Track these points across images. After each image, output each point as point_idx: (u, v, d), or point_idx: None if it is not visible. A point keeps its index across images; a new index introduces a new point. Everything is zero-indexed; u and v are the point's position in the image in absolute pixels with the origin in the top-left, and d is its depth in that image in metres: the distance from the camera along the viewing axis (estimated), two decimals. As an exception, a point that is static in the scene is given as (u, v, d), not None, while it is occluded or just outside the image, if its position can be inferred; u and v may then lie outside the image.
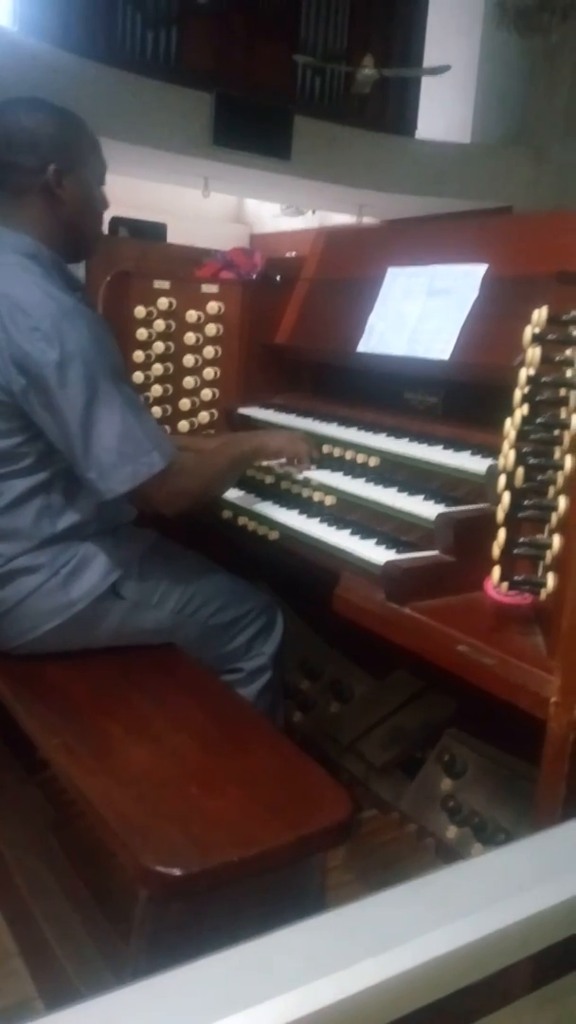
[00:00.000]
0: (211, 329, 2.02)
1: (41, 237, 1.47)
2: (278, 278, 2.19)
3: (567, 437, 1.11)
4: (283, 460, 1.71)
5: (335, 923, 0.63)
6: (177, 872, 1.00)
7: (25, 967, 1.42)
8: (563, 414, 1.13)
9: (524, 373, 1.16)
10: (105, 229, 1.83)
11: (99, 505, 1.50)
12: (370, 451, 1.66)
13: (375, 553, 1.37)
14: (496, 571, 1.14)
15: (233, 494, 1.75)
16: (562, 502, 1.10)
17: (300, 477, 1.68)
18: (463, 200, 8.50)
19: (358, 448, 1.68)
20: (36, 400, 1.37)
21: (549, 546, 1.11)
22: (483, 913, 0.65)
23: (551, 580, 1.10)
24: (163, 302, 2.05)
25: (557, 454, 1.13)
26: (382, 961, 0.59)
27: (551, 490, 1.13)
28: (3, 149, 1.45)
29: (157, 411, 2.07)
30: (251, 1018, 0.53)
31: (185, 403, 2.06)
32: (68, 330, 1.35)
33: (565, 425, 1.12)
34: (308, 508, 1.62)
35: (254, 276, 2.20)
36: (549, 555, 1.11)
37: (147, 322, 2.07)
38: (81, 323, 1.37)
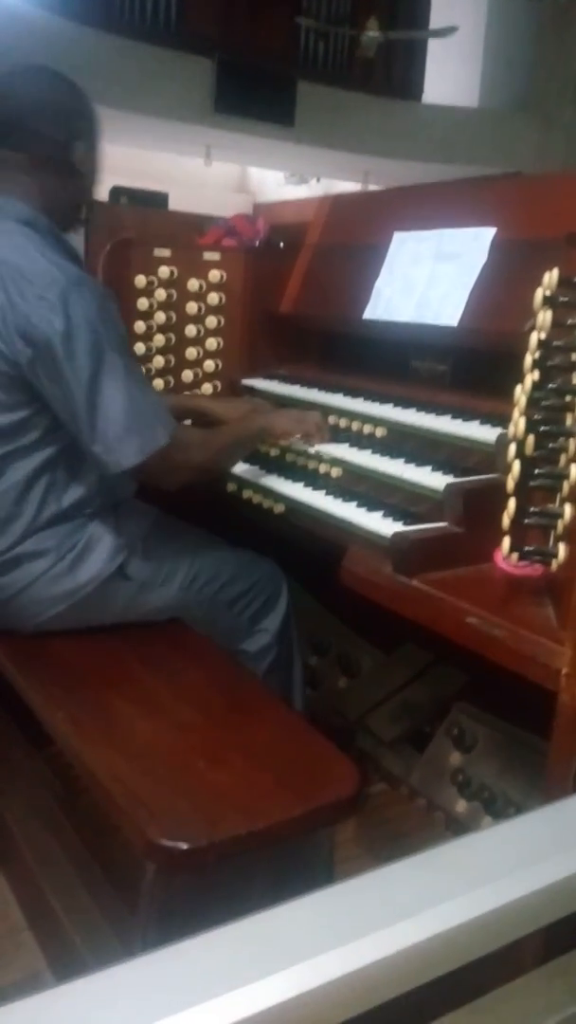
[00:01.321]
0: (213, 298, 1.98)
1: (40, 207, 1.43)
2: (281, 245, 2.15)
3: (579, 403, 1.09)
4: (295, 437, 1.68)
5: (345, 895, 0.62)
6: (184, 845, 0.99)
7: (34, 940, 1.42)
8: (575, 379, 1.11)
9: (535, 337, 1.13)
10: (105, 198, 1.80)
11: (102, 479, 1.48)
12: (377, 421, 1.63)
13: (383, 525, 1.35)
14: (506, 542, 1.12)
15: (238, 467, 1.73)
16: (574, 470, 1.07)
17: (312, 451, 1.64)
18: (470, 166, 8.34)
19: (365, 418, 1.65)
20: (42, 371, 1.34)
21: (560, 515, 1.09)
22: (494, 885, 0.64)
23: (562, 550, 1.08)
24: (164, 271, 2.01)
25: (569, 421, 1.10)
26: (393, 933, 0.58)
27: (563, 458, 1.11)
28: (27, 115, 1.41)
29: (159, 383, 2.04)
30: (261, 990, 0.53)
31: (188, 374, 2.03)
32: (75, 300, 1.32)
33: (577, 391, 1.09)
34: (314, 480, 1.60)
35: (257, 243, 2.15)
36: (560, 525, 1.09)
37: (148, 292, 2.03)
38: (87, 293, 1.34)
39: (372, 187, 9.39)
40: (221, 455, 1.61)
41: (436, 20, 8.53)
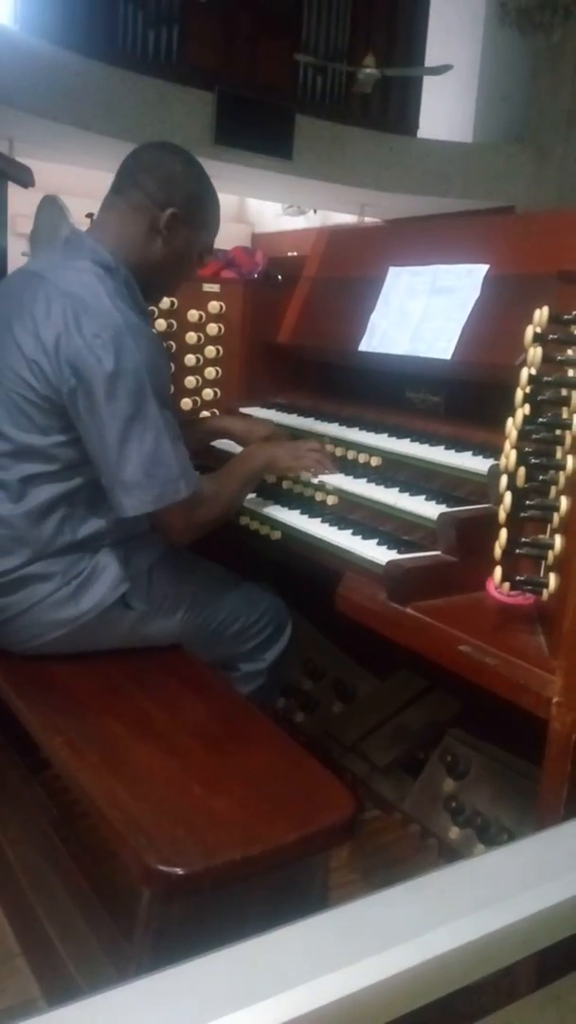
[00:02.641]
0: (212, 328, 2.02)
1: (125, 258, 1.49)
2: (279, 277, 2.19)
3: (569, 437, 1.11)
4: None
5: (338, 920, 0.63)
6: (180, 871, 1.00)
7: (28, 966, 1.42)
8: (565, 414, 1.14)
9: (526, 372, 1.16)
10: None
11: (118, 518, 1.48)
12: (372, 451, 1.66)
13: (377, 553, 1.37)
14: (498, 571, 1.14)
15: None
16: (564, 502, 1.10)
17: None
18: (465, 200, 8.49)
19: (360, 448, 1.68)
20: (81, 403, 1.37)
21: (551, 546, 1.11)
22: (486, 911, 0.65)
23: (553, 580, 1.10)
24: (164, 301, 2.04)
25: (559, 454, 1.13)
26: (385, 958, 0.59)
27: (553, 490, 1.13)
28: (143, 170, 1.51)
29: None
30: (255, 1014, 0.54)
31: (187, 402, 2.06)
32: (128, 344, 1.35)
33: (567, 425, 1.12)
34: (310, 508, 1.62)
35: (256, 275, 2.20)
36: (551, 555, 1.11)
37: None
38: (141, 341, 1.38)
39: (368, 219, 9.55)
40: (231, 503, 1.62)
41: (432, 56, 8.73)
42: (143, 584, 1.55)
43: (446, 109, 9.00)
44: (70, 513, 1.47)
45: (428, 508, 1.41)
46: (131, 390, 1.35)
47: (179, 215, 1.50)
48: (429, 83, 8.95)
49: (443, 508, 1.39)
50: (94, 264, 1.44)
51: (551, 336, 1.16)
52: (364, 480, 1.60)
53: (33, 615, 1.48)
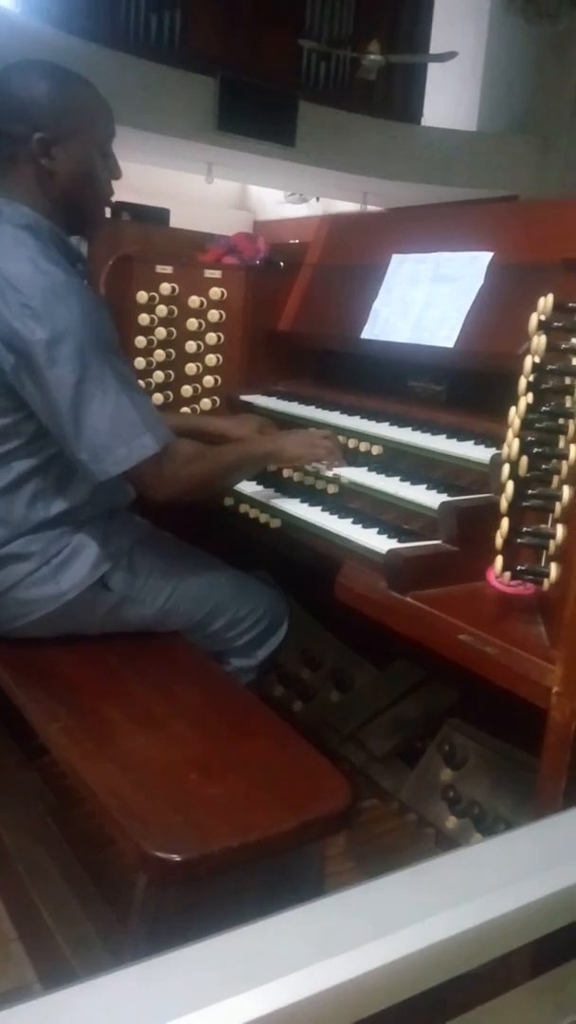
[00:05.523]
0: (214, 315, 2.01)
1: (37, 208, 1.42)
2: (282, 264, 2.17)
3: (572, 426, 1.11)
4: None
5: (336, 907, 0.63)
6: (176, 857, 1.00)
7: (24, 952, 1.42)
8: (568, 403, 1.13)
9: (529, 361, 1.15)
10: (109, 212, 1.77)
11: (94, 489, 1.46)
12: (373, 439, 1.65)
13: (377, 542, 1.36)
14: (499, 560, 1.14)
15: (235, 481, 1.74)
16: (566, 491, 1.10)
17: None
18: (468, 188, 8.45)
19: (361, 436, 1.67)
20: (26, 378, 1.33)
21: (553, 536, 1.11)
22: (484, 899, 0.65)
23: (554, 570, 1.10)
24: (165, 287, 2.03)
25: (562, 443, 1.13)
26: (381, 945, 0.59)
27: (555, 479, 1.13)
28: None
29: (158, 397, 2.06)
30: (252, 999, 0.53)
31: (187, 390, 2.05)
32: (58, 307, 1.31)
33: (570, 414, 1.12)
34: (310, 496, 1.61)
35: (258, 261, 2.18)
36: (552, 545, 1.11)
37: (149, 307, 2.05)
38: (72, 300, 1.32)
39: (371, 207, 9.50)
40: (218, 472, 1.55)
41: (436, 43, 8.66)
42: (123, 566, 1.51)
43: (450, 97, 8.95)
44: (42, 488, 1.44)
45: (429, 497, 1.41)
46: (72, 353, 1.30)
47: (45, 136, 1.38)
48: (433, 71, 8.89)
49: (444, 497, 1.38)
50: (15, 228, 1.37)
51: (555, 324, 1.15)
52: (365, 469, 1.59)
53: (14, 595, 1.46)
